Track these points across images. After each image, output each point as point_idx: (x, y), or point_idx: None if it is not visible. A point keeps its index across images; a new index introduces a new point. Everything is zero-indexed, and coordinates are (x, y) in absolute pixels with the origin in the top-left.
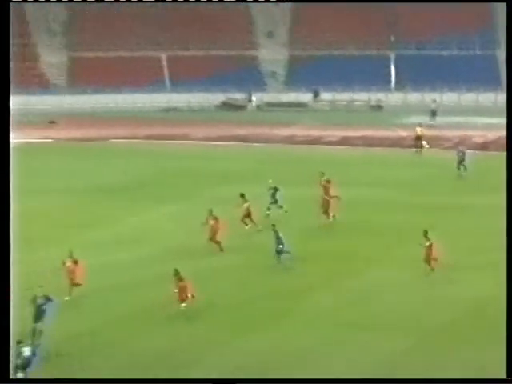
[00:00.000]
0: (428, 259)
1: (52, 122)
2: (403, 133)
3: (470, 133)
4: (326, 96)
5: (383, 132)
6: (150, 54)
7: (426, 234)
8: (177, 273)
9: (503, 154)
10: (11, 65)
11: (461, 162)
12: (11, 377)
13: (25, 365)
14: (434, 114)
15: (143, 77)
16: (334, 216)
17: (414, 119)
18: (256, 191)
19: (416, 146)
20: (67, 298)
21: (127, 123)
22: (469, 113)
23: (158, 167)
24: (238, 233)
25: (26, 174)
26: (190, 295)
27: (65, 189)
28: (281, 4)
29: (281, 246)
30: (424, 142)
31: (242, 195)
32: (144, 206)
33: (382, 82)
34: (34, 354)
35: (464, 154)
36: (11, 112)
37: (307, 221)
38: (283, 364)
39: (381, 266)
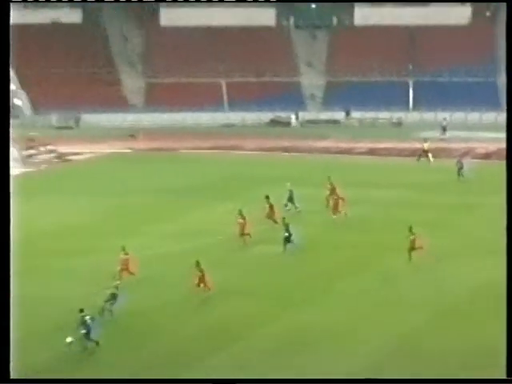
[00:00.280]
0: (410, 250)
1: (132, 136)
2: (418, 145)
3: (474, 145)
4: (355, 114)
5: (402, 144)
6: (212, 80)
7: (410, 229)
8: (198, 264)
9: (502, 163)
10: (99, 89)
11: (460, 170)
12: (67, 340)
13: (87, 332)
14: (444, 129)
15: (206, 99)
16: (345, 213)
17: (428, 134)
18: (297, 192)
19: (423, 157)
20: (118, 282)
21: (193, 137)
22: (473, 129)
23: (218, 172)
24: (273, 227)
25: (110, 178)
26: (202, 285)
27: (141, 190)
28: (319, 38)
29: (287, 234)
30: (430, 155)
31: (267, 197)
32: (206, 204)
33: (401, 103)
34: (93, 321)
35: (462, 163)
36: (100, 127)
37: (339, 217)
38: (322, 333)
39: (399, 254)
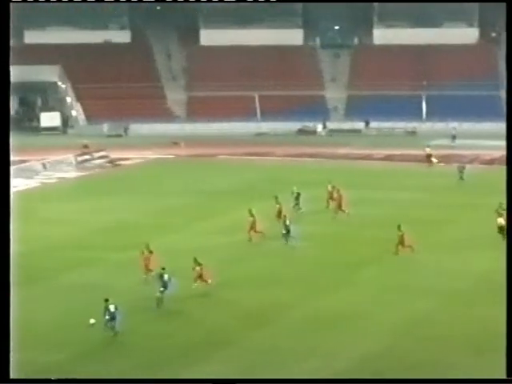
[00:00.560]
0: (397, 245)
1: (175, 143)
2: (430, 152)
3: (480, 152)
4: (374, 124)
5: (416, 151)
6: (246, 93)
7: (399, 227)
8: (195, 260)
9: (504, 168)
10: (146, 102)
11: (461, 173)
12: (90, 321)
13: (111, 318)
14: (454, 138)
15: (241, 110)
16: (348, 213)
17: (439, 142)
18: (320, 193)
19: (427, 162)
20: (144, 276)
21: (229, 144)
22: (480, 137)
23: (251, 176)
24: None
25: (156, 181)
26: (199, 280)
27: (183, 192)
28: (342, 56)
29: (284, 232)
30: (433, 159)
31: (276, 197)
32: (240, 204)
33: (415, 114)
34: (116, 309)
35: (463, 168)
36: (146, 136)
37: (360, 215)
38: (343, 318)
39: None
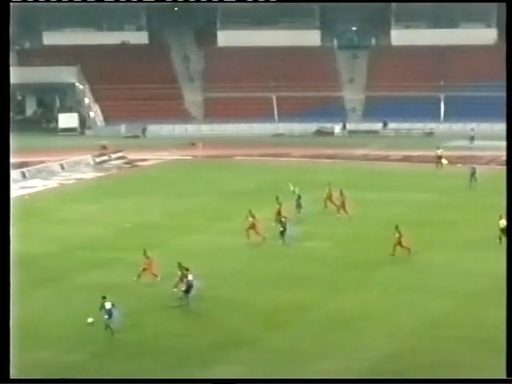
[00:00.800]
0: (395, 246)
1: (192, 144)
2: (448, 153)
3: (498, 153)
4: (392, 125)
5: (434, 152)
6: (264, 95)
7: (396, 227)
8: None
9: None
10: (163, 103)
11: (472, 175)
12: (88, 320)
13: (108, 315)
14: (472, 139)
15: (258, 111)
16: (350, 215)
17: (457, 143)
18: (337, 194)
19: (437, 163)
20: (135, 279)
21: (246, 145)
22: (498, 138)
23: (268, 177)
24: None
25: (173, 181)
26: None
27: (201, 192)
28: (359, 57)
29: (282, 229)
30: (444, 160)
31: (277, 198)
32: (258, 204)
33: (433, 115)
34: (113, 306)
35: (475, 169)
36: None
37: (377, 216)
38: (361, 317)
39: (427, 247)
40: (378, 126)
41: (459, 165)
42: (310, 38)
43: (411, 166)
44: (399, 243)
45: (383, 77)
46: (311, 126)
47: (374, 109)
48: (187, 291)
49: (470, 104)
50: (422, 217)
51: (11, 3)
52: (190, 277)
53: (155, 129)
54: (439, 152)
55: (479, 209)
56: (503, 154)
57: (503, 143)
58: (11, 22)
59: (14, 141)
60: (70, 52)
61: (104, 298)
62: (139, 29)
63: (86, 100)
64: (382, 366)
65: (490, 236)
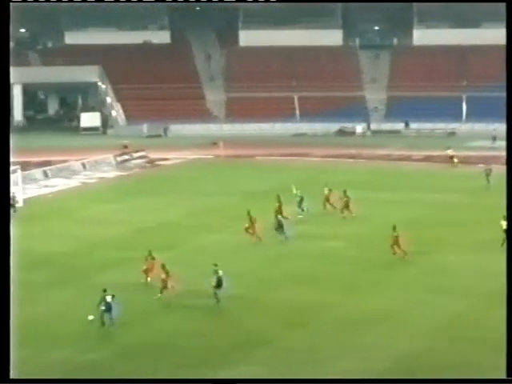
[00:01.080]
0: (392, 246)
1: (214, 144)
2: (470, 153)
3: None
4: (413, 125)
5: (455, 153)
6: (285, 94)
7: (394, 228)
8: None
9: None
10: (185, 102)
11: (488, 176)
12: (89, 318)
13: (107, 309)
14: (494, 139)
15: (280, 111)
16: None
17: (479, 143)
18: (358, 195)
19: (451, 163)
20: (143, 281)
21: (267, 145)
22: None
23: (289, 177)
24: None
25: (194, 181)
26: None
27: (222, 192)
28: (381, 57)
29: (276, 226)
30: (455, 160)
31: (278, 197)
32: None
33: (455, 115)
34: (113, 300)
35: (491, 170)
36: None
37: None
38: (379, 317)
39: (445, 248)
40: (400, 125)
41: (481, 165)
42: (332, 37)
43: (432, 166)
44: (396, 243)
45: (405, 77)
46: (333, 126)
47: (395, 109)
48: (218, 286)
49: (492, 104)
50: (439, 217)
51: (11, 3)
52: (220, 272)
53: (177, 128)
54: (450, 152)
55: (495, 209)
56: None
57: None
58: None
59: (36, 140)
60: (92, 51)
61: (105, 290)
62: (161, 28)
63: (108, 99)
64: (399, 367)
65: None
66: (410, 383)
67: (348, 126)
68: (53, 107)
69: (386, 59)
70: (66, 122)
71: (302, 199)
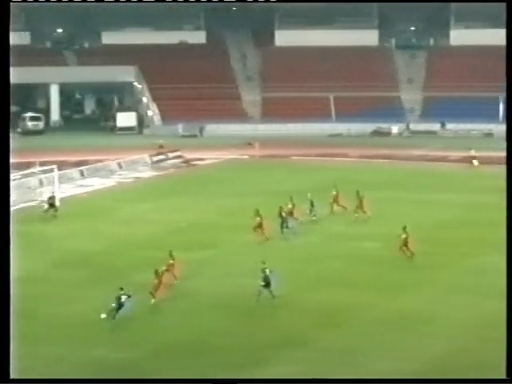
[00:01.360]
0: (401, 247)
1: (249, 144)
2: (474, 154)
3: None
4: (450, 126)
5: (493, 153)
6: (321, 95)
7: (404, 228)
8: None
9: None
10: (221, 102)
11: None
12: (101, 316)
13: (119, 307)
14: None
15: (316, 111)
16: (369, 215)
17: None
18: (392, 195)
19: (470, 163)
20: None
21: (303, 145)
22: None
23: (324, 177)
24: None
25: (230, 181)
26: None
27: (257, 192)
28: (418, 57)
29: (284, 224)
30: (475, 161)
31: (291, 199)
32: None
33: (492, 115)
34: (128, 298)
35: None
36: (221, 136)
37: (430, 217)
38: (414, 318)
39: (480, 250)
40: (436, 126)
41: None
42: (368, 37)
43: (469, 167)
44: (405, 245)
45: (441, 77)
46: (368, 127)
47: (432, 109)
48: (267, 286)
49: None
50: (476, 218)
51: (11, 3)
52: (267, 271)
53: (212, 128)
54: (472, 153)
55: None
56: None
57: None
58: (70, 22)
59: (73, 139)
60: (128, 51)
61: (121, 288)
62: (197, 28)
63: (144, 99)
64: (436, 368)
65: None
66: (411, 383)
67: (384, 126)
68: (89, 107)
69: (423, 59)
70: (102, 121)
71: (312, 203)
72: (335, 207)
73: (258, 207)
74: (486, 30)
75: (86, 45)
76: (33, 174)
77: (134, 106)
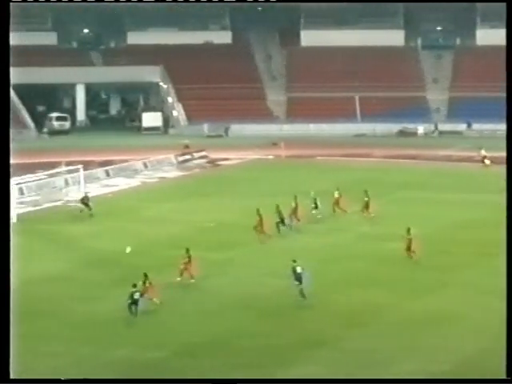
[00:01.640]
0: (408, 249)
1: (274, 144)
2: (485, 154)
3: None
4: (476, 126)
5: (488, 153)
6: (347, 95)
7: (408, 230)
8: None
9: None
10: (246, 102)
11: None
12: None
13: (134, 303)
14: None
15: (341, 111)
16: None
17: None
18: (416, 195)
19: (482, 162)
20: (178, 279)
21: (328, 145)
22: None
23: (350, 177)
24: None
25: (255, 181)
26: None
27: (282, 192)
28: (444, 57)
29: (278, 221)
30: (486, 161)
31: (295, 197)
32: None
33: None
34: (141, 296)
35: None
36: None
37: (455, 217)
38: (439, 318)
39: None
40: (462, 126)
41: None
42: (394, 37)
43: (494, 167)
44: (409, 247)
45: (468, 77)
46: (394, 127)
47: (458, 109)
48: (299, 283)
49: None
50: (498, 218)
51: (11, 3)
52: (298, 269)
53: (238, 128)
54: (483, 152)
55: None
56: None
57: None
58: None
59: (99, 139)
60: (153, 52)
61: (134, 285)
62: (223, 28)
63: (170, 99)
64: (460, 369)
65: None
66: (411, 383)
67: (409, 126)
68: (115, 107)
69: (449, 59)
70: (127, 121)
71: (316, 200)
72: (336, 209)
73: (282, 207)
74: None
75: (112, 45)
76: (58, 173)
77: (160, 106)
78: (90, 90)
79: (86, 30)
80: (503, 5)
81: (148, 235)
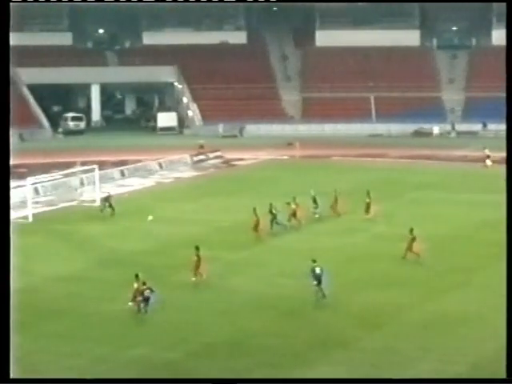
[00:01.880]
0: (409, 249)
1: (289, 144)
2: (489, 153)
3: None
4: (491, 126)
5: (491, 153)
6: (362, 95)
7: (411, 230)
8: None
9: None
10: (261, 102)
11: None
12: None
13: (145, 300)
14: None
15: (356, 112)
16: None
17: None
18: (432, 196)
19: (484, 162)
20: (193, 279)
21: (343, 145)
22: None
23: (365, 177)
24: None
25: (270, 181)
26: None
27: (297, 192)
28: (459, 58)
29: (276, 220)
30: (488, 161)
31: (294, 199)
32: (354, 205)
33: None
34: (152, 292)
35: None
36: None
37: (473, 218)
38: (458, 319)
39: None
40: (477, 126)
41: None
42: (410, 37)
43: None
44: (410, 247)
45: (483, 77)
46: (409, 127)
47: (473, 110)
48: (318, 284)
49: None
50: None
51: (11, 3)
52: (317, 270)
53: (252, 128)
54: (487, 152)
55: None
56: None
57: None
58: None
59: (114, 139)
60: (169, 52)
61: (144, 283)
62: (238, 29)
63: (185, 99)
64: (478, 371)
65: None
66: (411, 383)
67: (425, 127)
68: (130, 107)
69: (464, 60)
70: (142, 121)
71: (315, 199)
72: (336, 210)
73: (296, 207)
74: None
75: (127, 45)
76: (73, 173)
77: (175, 106)
78: (106, 90)
79: (101, 30)
80: None
81: (163, 235)
